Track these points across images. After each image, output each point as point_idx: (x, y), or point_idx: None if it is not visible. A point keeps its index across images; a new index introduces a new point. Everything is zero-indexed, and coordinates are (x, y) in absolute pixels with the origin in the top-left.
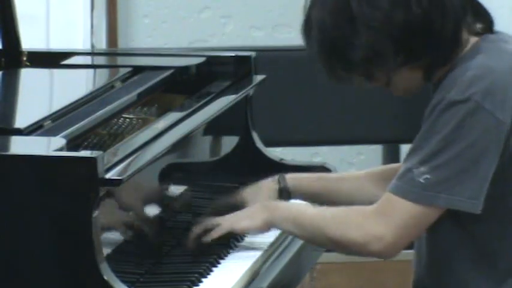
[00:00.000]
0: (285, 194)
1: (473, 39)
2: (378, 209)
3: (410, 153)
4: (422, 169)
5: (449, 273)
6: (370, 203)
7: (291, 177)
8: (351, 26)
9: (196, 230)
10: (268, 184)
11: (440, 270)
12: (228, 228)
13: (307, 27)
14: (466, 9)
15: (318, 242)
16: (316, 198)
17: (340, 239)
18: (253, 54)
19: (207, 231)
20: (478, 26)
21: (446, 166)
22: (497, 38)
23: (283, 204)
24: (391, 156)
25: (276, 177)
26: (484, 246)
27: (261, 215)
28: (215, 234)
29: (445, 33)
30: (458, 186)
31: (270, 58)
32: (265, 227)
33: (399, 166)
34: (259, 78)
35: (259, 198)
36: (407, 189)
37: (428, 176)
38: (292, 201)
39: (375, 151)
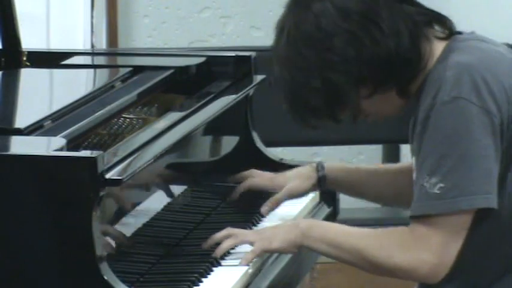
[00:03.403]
0: (322, 183)
1: (441, 44)
2: (413, 233)
3: (418, 171)
4: (433, 180)
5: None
6: (399, 195)
7: (329, 168)
8: (306, 72)
9: (227, 246)
10: (307, 171)
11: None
12: (261, 251)
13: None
14: (419, 24)
15: (356, 264)
16: (350, 191)
17: (385, 264)
18: (253, 54)
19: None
20: (442, 32)
21: (455, 169)
22: (466, 37)
23: (317, 224)
24: (391, 156)
25: (315, 164)
26: (490, 239)
27: (293, 236)
28: (249, 257)
29: (400, 54)
30: (472, 185)
31: (270, 58)
32: (296, 250)
33: None
34: (259, 78)
35: (298, 184)
36: (426, 205)
37: (441, 185)
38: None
39: (375, 151)
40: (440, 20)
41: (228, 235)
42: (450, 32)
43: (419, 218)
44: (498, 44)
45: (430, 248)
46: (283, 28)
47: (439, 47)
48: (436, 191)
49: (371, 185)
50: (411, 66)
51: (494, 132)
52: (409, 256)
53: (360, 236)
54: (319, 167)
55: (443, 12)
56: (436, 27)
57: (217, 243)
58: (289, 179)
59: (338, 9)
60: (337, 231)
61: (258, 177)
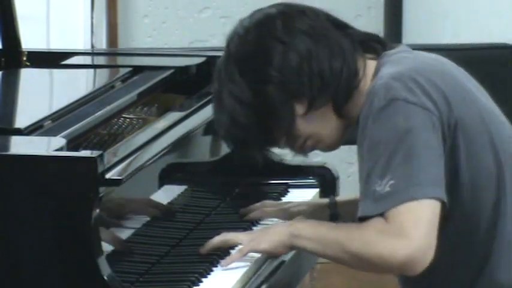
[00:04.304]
0: (334, 219)
1: (373, 63)
2: (387, 225)
3: (367, 177)
4: (384, 181)
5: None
6: None
7: (340, 203)
8: (243, 89)
9: (216, 242)
10: (321, 207)
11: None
12: (248, 251)
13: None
14: (353, 44)
15: (340, 258)
16: None
17: (365, 256)
18: None
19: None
20: (374, 51)
21: (404, 164)
22: (395, 51)
23: (305, 223)
24: None
25: (327, 201)
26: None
27: (282, 236)
28: (235, 257)
29: (334, 69)
30: (420, 175)
31: None
32: (285, 251)
33: None
34: None
35: (310, 217)
36: (379, 205)
37: (392, 182)
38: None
39: None
40: (374, 41)
41: (222, 238)
42: (382, 50)
43: (396, 209)
44: (430, 54)
45: (405, 233)
46: (220, 62)
47: (372, 65)
48: (387, 188)
49: None
50: (344, 82)
51: (434, 128)
52: (385, 242)
53: (341, 229)
54: (331, 205)
55: (444, 12)
56: (370, 48)
57: (217, 248)
58: (303, 212)
59: (282, 27)
60: (322, 228)
61: (270, 207)
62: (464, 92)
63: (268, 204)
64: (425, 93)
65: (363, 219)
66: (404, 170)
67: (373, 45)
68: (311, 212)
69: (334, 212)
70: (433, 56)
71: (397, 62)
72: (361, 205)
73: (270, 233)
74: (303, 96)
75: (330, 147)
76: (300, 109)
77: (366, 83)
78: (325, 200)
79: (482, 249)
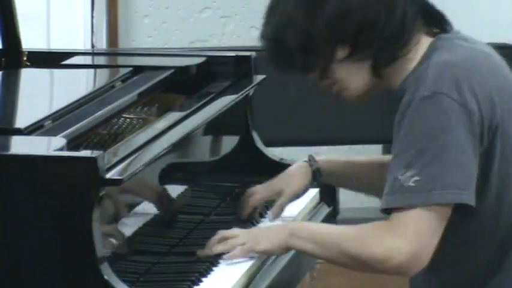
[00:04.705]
0: (317, 176)
1: (428, 40)
2: (390, 223)
3: (393, 163)
4: (409, 173)
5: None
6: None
7: (322, 161)
8: (293, 15)
9: (217, 250)
10: (301, 169)
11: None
12: (248, 250)
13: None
14: (416, 12)
15: (338, 260)
16: (344, 181)
17: (361, 257)
18: (253, 54)
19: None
20: (434, 28)
21: (432, 163)
22: (452, 36)
23: (303, 225)
24: None
25: (307, 160)
26: (477, 238)
27: (280, 237)
28: (237, 254)
29: (388, 28)
30: (447, 179)
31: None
32: (284, 250)
33: None
34: (259, 78)
35: (296, 185)
36: (400, 198)
37: (417, 178)
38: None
39: (375, 151)
40: (437, 17)
41: (221, 239)
42: (441, 30)
43: (397, 210)
44: (483, 45)
45: (406, 236)
46: None
47: (425, 42)
48: (411, 183)
49: (365, 176)
50: (393, 44)
51: (473, 131)
52: (385, 244)
53: (340, 231)
54: (312, 161)
55: (444, 13)
56: (432, 24)
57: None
58: (287, 183)
59: None
60: (320, 229)
61: (255, 194)
62: (510, 89)
63: (250, 192)
64: (472, 92)
65: (386, 211)
66: (431, 169)
67: (436, 22)
68: (294, 178)
69: (315, 167)
70: (486, 48)
71: (454, 50)
72: (384, 196)
73: (270, 233)
74: (347, 42)
75: (353, 99)
76: (340, 54)
77: (414, 56)
78: (303, 163)
79: (502, 247)
